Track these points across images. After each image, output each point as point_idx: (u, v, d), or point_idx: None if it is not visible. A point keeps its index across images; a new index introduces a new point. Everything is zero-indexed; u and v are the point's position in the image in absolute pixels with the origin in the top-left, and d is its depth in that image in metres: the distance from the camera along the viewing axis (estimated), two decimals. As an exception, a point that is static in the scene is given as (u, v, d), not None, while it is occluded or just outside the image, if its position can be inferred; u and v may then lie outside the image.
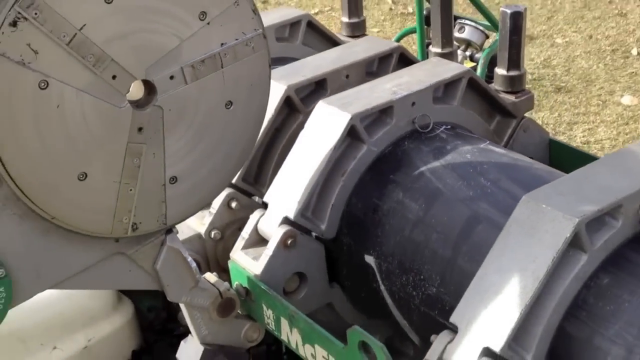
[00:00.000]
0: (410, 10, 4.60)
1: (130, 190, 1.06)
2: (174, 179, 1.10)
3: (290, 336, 1.18)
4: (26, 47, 0.92)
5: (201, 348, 1.25)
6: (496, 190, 1.13)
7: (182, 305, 1.22)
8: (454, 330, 0.98)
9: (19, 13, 0.91)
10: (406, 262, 1.16)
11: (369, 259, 1.21)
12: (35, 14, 0.92)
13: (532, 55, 4.00)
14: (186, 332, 1.58)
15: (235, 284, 1.26)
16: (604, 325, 0.93)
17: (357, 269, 1.24)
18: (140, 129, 1.04)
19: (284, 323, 1.18)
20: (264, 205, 1.27)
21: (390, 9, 4.71)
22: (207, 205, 1.36)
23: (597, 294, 0.95)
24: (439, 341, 0.99)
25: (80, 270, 1.10)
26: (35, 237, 1.04)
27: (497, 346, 0.93)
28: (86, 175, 1.02)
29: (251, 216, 1.27)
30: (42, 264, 1.06)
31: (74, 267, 1.09)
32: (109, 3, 0.96)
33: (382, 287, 1.20)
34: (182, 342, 1.32)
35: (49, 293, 1.45)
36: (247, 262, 1.23)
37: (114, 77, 0.99)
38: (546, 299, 0.93)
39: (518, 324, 0.93)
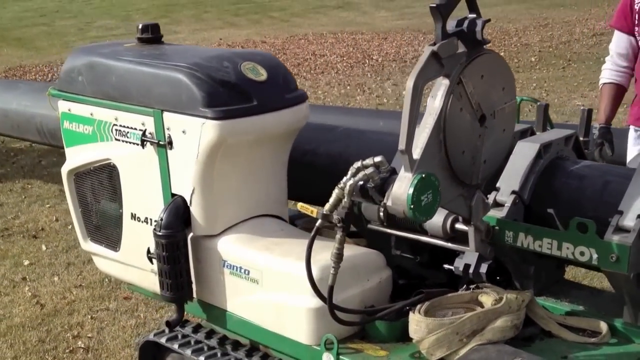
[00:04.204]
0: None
1: (475, 161, 2.22)
2: (484, 162, 2.27)
3: (524, 241, 2.30)
4: (458, 89, 2.10)
5: (476, 254, 2.35)
6: (613, 169, 2.38)
7: (469, 229, 2.31)
8: (619, 213, 2.17)
9: (460, 78, 2.10)
10: (575, 207, 2.34)
11: (550, 210, 2.38)
12: (465, 79, 2.11)
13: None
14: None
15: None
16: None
17: (541, 217, 2.39)
18: (480, 135, 2.22)
19: (520, 235, 2.31)
20: (497, 189, 2.43)
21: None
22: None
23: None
24: (614, 219, 2.16)
25: (450, 199, 2.17)
26: (443, 178, 2.09)
27: (645, 212, 2.12)
28: (463, 153, 2.18)
29: (491, 195, 2.42)
30: (442, 192, 2.14)
31: (449, 197, 2.15)
32: (482, 79, 2.17)
33: (558, 224, 2.36)
34: (457, 258, 2.40)
35: (365, 253, 2.53)
36: (496, 213, 2.36)
37: (476, 109, 2.17)
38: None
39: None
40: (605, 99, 3.60)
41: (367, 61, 12.58)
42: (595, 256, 2.16)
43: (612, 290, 2.51)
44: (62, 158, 2.56)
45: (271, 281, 2.47)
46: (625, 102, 3.76)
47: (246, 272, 2.53)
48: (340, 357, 2.29)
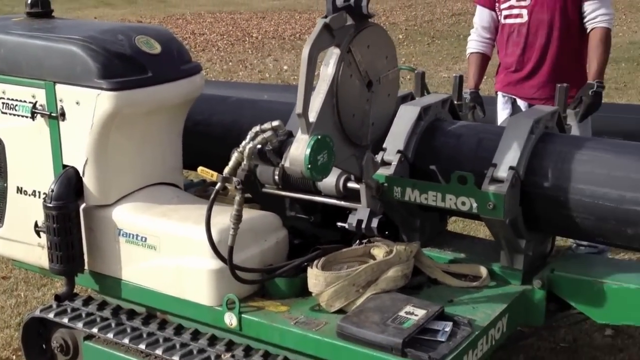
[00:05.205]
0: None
1: (364, 123, 2.27)
2: (373, 124, 2.32)
3: (411, 195, 2.38)
4: (348, 57, 2.14)
5: (368, 210, 2.40)
6: (486, 128, 2.50)
7: (361, 186, 2.37)
8: (493, 165, 2.29)
9: (350, 48, 2.14)
10: (454, 162, 2.44)
11: (432, 167, 2.47)
12: (354, 49, 2.15)
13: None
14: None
15: (378, 183, 2.44)
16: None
17: (424, 173, 2.49)
18: (368, 100, 2.27)
19: (408, 190, 2.39)
20: (384, 149, 2.50)
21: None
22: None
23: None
24: (489, 171, 2.28)
25: (343, 159, 2.21)
26: (336, 139, 2.15)
27: (514, 163, 2.25)
28: (354, 116, 2.22)
29: (379, 154, 2.49)
30: (336, 152, 2.18)
31: (343, 157, 2.20)
32: (368, 48, 2.22)
33: (440, 178, 2.46)
34: (350, 215, 2.45)
35: (262, 215, 2.54)
36: (384, 171, 2.44)
37: (364, 76, 2.22)
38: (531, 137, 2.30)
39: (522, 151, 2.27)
40: (473, 67, 3.76)
41: (248, 39, 12.49)
42: (475, 205, 2.28)
43: (489, 239, 2.66)
44: None
45: (169, 246, 2.44)
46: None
47: (143, 239, 2.49)
48: (242, 315, 2.30)
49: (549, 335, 3.15)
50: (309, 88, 2.02)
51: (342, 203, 2.45)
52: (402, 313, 2.10)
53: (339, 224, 2.51)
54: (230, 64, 10.39)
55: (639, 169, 2.26)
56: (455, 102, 2.81)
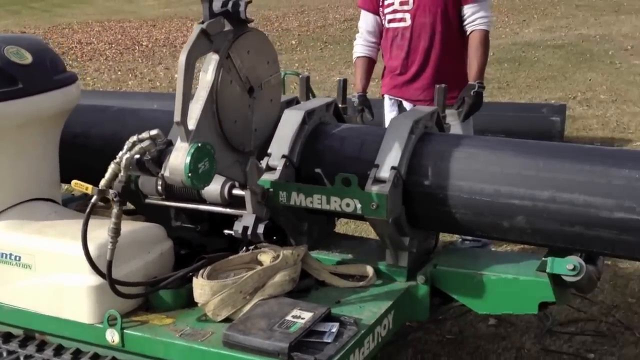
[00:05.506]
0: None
1: (247, 129, 2.25)
2: (255, 130, 2.31)
3: (297, 199, 2.39)
4: (227, 63, 2.12)
5: (254, 216, 2.39)
6: (368, 130, 2.54)
7: (246, 192, 2.36)
8: (376, 166, 2.33)
9: (229, 53, 2.12)
10: (338, 165, 2.47)
11: (317, 170, 2.49)
12: (233, 54, 2.13)
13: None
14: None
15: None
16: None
17: (311, 177, 2.51)
18: (249, 106, 2.26)
19: (293, 194, 2.40)
20: (269, 154, 2.50)
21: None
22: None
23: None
24: (372, 172, 2.32)
25: (226, 166, 2.19)
26: (218, 146, 2.14)
27: (395, 164, 2.30)
28: (236, 122, 2.21)
29: (264, 160, 2.48)
30: (218, 160, 2.17)
31: (225, 164, 2.18)
32: (248, 54, 2.21)
33: (326, 181, 2.48)
34: (235, 221, 2.42)
35: (144, 227, 2.48)
36: (269, 176, 2.44)
37: (245, 82, 2.21)
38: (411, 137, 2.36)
39: (402, 151, 2.32)
40: (359, 71, 3.83)
41: (137, 47, 12.25)
42: (359, 206, 2.31)
43: (377, 238, 2.70)
44: None
45: (45, 264, 2.35)
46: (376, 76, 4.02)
47: (17, 258, 2.38)
48: (125, 331, 2.23)
49: (436, 329, 3.24)
50: (187, 95, 1.99)
51: (228, 210, 2.42)
52: (289, 317, 2.10)
53: (226, 231, 2.49)
54: (119, 73, 10.16)
55: (514, 163, 2.36)
56: (340, 105, 2.85)
